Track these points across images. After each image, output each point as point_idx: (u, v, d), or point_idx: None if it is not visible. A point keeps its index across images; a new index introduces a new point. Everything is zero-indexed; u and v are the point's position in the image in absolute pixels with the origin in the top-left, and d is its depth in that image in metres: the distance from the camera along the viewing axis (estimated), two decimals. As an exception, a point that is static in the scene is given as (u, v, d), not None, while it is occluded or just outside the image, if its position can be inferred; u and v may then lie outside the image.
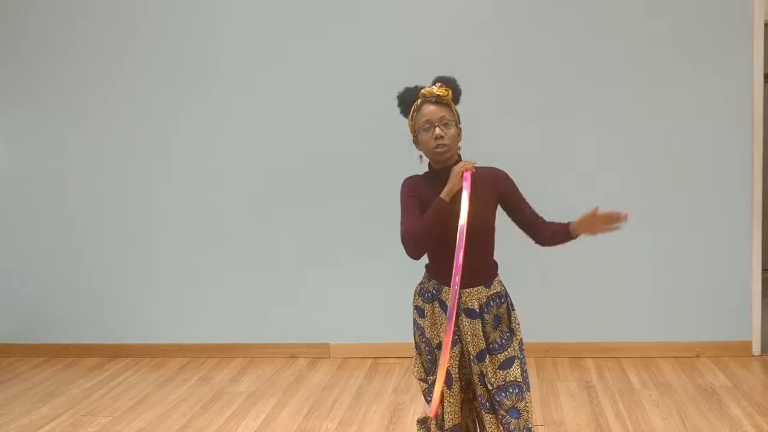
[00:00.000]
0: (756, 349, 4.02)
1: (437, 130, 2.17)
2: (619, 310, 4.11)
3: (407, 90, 2.27)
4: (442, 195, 2.13)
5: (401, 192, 2.28)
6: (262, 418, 3.55)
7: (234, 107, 4.34)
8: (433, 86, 2.22)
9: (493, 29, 4.05)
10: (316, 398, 3.79)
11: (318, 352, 4.43)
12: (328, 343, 4.41)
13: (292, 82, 4.26)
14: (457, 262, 2.01)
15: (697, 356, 4.06)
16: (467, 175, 2.11)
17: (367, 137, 4.19)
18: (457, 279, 2.01)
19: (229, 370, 4.31)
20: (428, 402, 2.35)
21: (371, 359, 4.35)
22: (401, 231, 2.19)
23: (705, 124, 3.94)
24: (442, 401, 2.28)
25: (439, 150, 2.18)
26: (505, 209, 2.32)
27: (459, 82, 2.27)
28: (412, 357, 2.47)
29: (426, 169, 2.32)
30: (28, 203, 4.69)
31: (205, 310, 4.54)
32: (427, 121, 2.18)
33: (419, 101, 2.22)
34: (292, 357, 4.46)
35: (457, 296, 2.04)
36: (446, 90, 2.21)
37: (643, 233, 3.99)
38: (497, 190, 2.26)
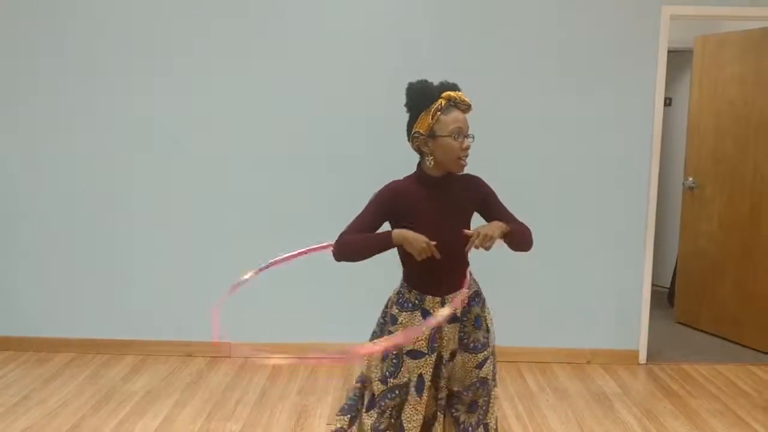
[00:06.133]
0: (642, 357, 4.27)
1: (467, 141, 2.10)
2: (516, 315, 4.22)
3: (425, 83, 2.13)
4: (395, 238, 2.06)
5: (375, 197, 2.18)
6: (161, 419, 3.39)
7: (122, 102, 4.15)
8: (461, 92, 2.12)
9: (409, 36, 4.08)
10: (217, 399, 3.66)
11: (217, 351, 4.29)
12: (229, 342, 4.28)
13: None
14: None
15: (588, 362, 4.26)
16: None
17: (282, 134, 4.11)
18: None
19: (121, 367, 4.09)
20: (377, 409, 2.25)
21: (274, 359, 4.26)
22: (344, 230, 2.14)
23: (607, 144, 4.13)
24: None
25: (463, 163, 2.13)
26: (482, 214, 2.28)
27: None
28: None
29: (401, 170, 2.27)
30: None
31: (95, 303, 4.29)
32: (460, 129, 2.09)
33: (444, 102, 2.09)
34: (190, 355, 4.29)
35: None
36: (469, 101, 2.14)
37: (541, 244, 4.08)
38: (476, 197, 2.23)
